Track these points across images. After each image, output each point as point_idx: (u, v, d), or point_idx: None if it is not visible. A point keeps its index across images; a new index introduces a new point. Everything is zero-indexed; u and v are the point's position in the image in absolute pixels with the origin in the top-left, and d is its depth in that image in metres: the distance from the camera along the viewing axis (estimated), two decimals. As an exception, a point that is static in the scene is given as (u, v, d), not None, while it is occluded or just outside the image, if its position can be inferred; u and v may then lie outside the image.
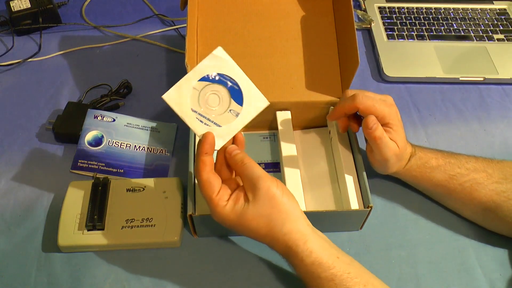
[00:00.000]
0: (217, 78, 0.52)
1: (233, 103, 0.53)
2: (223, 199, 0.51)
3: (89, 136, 0.71)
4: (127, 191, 0.64)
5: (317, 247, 0.50)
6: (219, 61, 0.52)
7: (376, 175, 0.68)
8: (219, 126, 0.53)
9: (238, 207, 0.50)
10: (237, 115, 0.54)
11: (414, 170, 0.62)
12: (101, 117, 0.73)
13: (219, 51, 0.52)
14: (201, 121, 0.52)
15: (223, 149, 0.54)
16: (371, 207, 0.59)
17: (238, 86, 0.53)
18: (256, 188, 0.50)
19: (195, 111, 0.52)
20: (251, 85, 0.54)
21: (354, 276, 0.50)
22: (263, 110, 0.55)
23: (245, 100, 0.54)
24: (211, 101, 0.52)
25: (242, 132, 0.75)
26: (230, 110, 0.53)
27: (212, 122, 0.53)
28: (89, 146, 0.71)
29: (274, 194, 0.50)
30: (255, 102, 0.54)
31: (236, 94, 0.53)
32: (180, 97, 0.51)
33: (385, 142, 0.57)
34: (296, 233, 0.51)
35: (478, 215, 0.63)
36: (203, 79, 0.52)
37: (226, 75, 0.53)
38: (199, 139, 0.52)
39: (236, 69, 0.53)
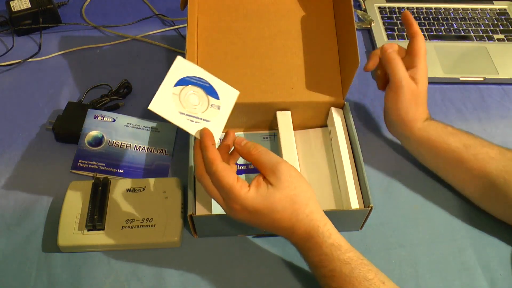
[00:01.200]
0: (188, 80, 0.55)
1: (211, 98, 0.56)
2: (244, 186, 0.50)
3: (89, 136, 0.71)
4: (127, 191, 0.64)
5: (334, 231, 0.52)
6: (183, 67, 0.55)
7: (377, 175, 0.68)
8: (208, 121, 0.55)
9: (262, 191, 0.50)
10: (218, 107, 0.56)
11: (432, 129, 0.63)
12: (101, 117, 0.73)
13: (180, 60, 0.55)
14: (191, 121, 0.54)
15: (224, 145, 0.55)
16: (371, 207, 0.59)
17: (208, 83, 0.56)
18: (278, 171, 0.50)
19: (182, 113, 0.53)
20: (218, 80, 0.57)
21: (367, 264, 0.51)
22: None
23: (219, 93, 0.57)
24: (192, 100, 0.55)
25: (243, 132, 0.75)
26: (211, 105, 0.55)
27: (201, 119, 0.54)
28: (89, 146, 0.71)
29: (296, 176, 0.51)
30: (228, 94, 0.57)
31: (210, 90, 0.56)
32: (165, 104, 0.53)
33: (399, 65, 0.61)
34: (317, 213, 0.52)
35: (480, 191, 0.62)
36: (178, 83, 0.54)
37: (195, 76, 0.55)
38: (196, 138, 0.53)
39: (200, 70, 0.56)
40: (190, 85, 0.55)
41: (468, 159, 0.61)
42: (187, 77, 0.55)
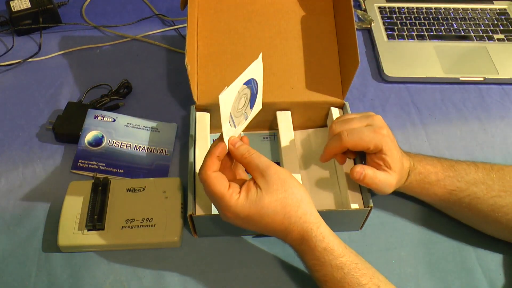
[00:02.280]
0: (251, 82, 0.54)
1: (248, 107, 0.55)
2: (235, 192, 0.50)
3: (89, 136, 0.71)
4: (127, 191, 0.64)
5: (328, 234, 0.51)
6: (257, 67, 0.53)
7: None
8: (235, 127, 0.54)
9: (252, 196, 0.50)
10: (246, 118, 0.55)
11: (414, 186, 0.61)
12: (101, 117, 0.73)
13: (260, 58, 0.53)
14: (229, 122, 0.53)
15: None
16: (371, 207, 0.59)
17: (257, 92, 0.55)
18: (267, 174, 0.50)
19: (230, 114, 0.52)
20: (261, 91, 0.56)
21: (362, 268, 0.50)
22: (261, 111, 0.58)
23: (256, 104, 0.56)
24: (241, 104, 0.54)
25: (243, 132, 0.75)
26: (244, 113, 0.55)
27: (233, 123, 0.54)
28: (89, 146, 0.71)
29: (285, 178, 0.51)
30: (256, 106, 0.56)
31: (253, 99, 0.55)
32: (229, 99, 0.51)
33: (381, 182, 0.57)
34: (310, 215, 0.51)
35: (478, 225, 0.63)
36: (246, 83, 0.53)
37: (255, 80, 0.54)
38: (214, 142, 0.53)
39: (261, 76, 0.55)
40: (247, 88, 0.53)
41: (455, 204, 0.61)
42: (253, 79, 0.54)
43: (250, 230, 0.53)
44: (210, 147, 0.53)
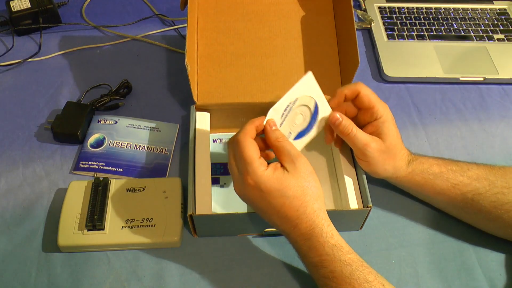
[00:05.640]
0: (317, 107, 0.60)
1: (306, 129, 0.60)
2: (264, 164, 0.52)
3: (92, 139, 0.72)
4: (127, 191, 0.64)
5: (336, 233, 0.52)
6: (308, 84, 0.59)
7: (376, 175, 0.67)
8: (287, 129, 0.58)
9: (278, 173, 0.51)
10: (299, 137, 0.59)
11: (417, 174, 0.61)
12: (104, 120, 0.74)
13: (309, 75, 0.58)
14: (279, 113, 0.56)
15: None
16: (370, 207, 0.59)
17: (317, 117, 0.60)
18: (297, 161, 0.52)
19: (284, 112, 0.57)
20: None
21: (367, 266, 0.51)
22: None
23: (313, 129, 0.60)
24: (297, 119, 0.58)
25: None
26: (298, 133, 0.59)
27: (284, 119, 0.57)
28: (91, 148, 0.71)
29: (312, 172, 0.53)
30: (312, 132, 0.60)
31: (311, 124, 0.60)
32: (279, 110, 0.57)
33: (357, 138, 0.58)
34: (323, 213, 0.52)
35: (480, 222, 0.63)
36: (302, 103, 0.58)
37: (318, 107, 0.60)
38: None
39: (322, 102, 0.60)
40: (307, 107, 0.58)
41: (457, 199, 0.61)
42: (316, 102, 0.59)
43: (260, 209, 0.53)
44: (251, 120, 0.55)
